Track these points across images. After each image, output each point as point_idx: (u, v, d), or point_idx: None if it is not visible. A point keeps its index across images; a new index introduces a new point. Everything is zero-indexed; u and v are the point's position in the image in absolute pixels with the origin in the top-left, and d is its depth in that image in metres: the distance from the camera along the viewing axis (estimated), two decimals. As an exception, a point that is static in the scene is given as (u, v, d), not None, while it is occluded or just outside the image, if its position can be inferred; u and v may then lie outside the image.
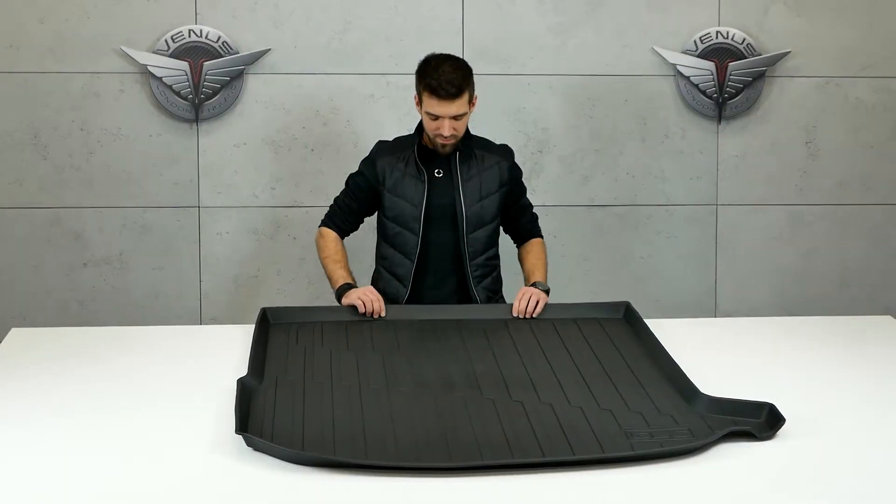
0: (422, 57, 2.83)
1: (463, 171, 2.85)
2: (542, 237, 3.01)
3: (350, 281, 2.80)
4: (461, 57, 2.84)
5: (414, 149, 2.86)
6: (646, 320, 2.63)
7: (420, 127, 2.87)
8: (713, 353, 2.59)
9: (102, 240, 3.72)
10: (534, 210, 3.02)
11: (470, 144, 2.88)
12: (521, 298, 2.73)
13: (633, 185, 3.84)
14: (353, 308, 2.71)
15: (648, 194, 3.85)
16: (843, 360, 2.55)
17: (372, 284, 2.94)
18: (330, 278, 2.86)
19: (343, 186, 2.97)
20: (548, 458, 1.91)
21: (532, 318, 2.70)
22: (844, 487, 1.87)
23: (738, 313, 3.87)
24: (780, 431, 2.06)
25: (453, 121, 2.74)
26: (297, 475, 1.88)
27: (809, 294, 3.92)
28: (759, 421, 2.08)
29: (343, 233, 2.95)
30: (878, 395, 2.32)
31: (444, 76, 2.71)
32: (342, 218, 2.94)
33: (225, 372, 2.36)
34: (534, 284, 2.82)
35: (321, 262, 2.92)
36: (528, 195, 3.03)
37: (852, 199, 3.91)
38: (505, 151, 2.94)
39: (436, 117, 2.74)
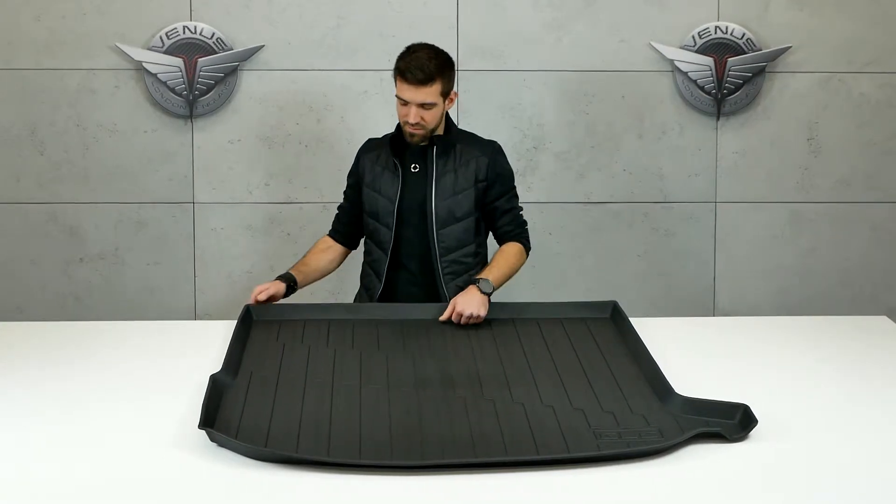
0: None
1: (439, 165, 2.79)
2: (523, 244, 2.83)
3: (286, 273, 2.81)
4: (446, 51, 2.77)
5: (388, 142, 2.83)
6: (640, 319, 2.59)
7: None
8: (702, 353, 2.56)
9: (98, 235, 3.73)
10: (523, 217, 2.87)
11: (450, 139, 2.81)
12: (456, 305, 2.57)
13: (630, 182, 3.80)
14: (340, 306, 2.70)
15: (646, 191, 3.80)
16: (834, 361, 2.51)
17: (360, 279, 2.95)
18: None
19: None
20: (511, 458, 1.89)
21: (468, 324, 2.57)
22: (810, 490, 1.83)
23: (737, 312, 3.82)
24: (754, 433, 2.02)
25: (421, 109, 2.69)
26: (261, 471, 1.87)
27: (810, 293, 3.87)
28: (732, 422, 2.04)
29: (347, 238, 2.94)
30: (863, 396, 2.28)
31: (415, 62, 2.68)
32: (343, 223, 2.95)
33: (213, 367, 2.35)
34: (475, 282, 2.63)
35: None
36: (524, 192, 2.96)
37: (855, 196, 3.84)
38: (487, 147, 2.84)
39: (405, 102, 2.71)
